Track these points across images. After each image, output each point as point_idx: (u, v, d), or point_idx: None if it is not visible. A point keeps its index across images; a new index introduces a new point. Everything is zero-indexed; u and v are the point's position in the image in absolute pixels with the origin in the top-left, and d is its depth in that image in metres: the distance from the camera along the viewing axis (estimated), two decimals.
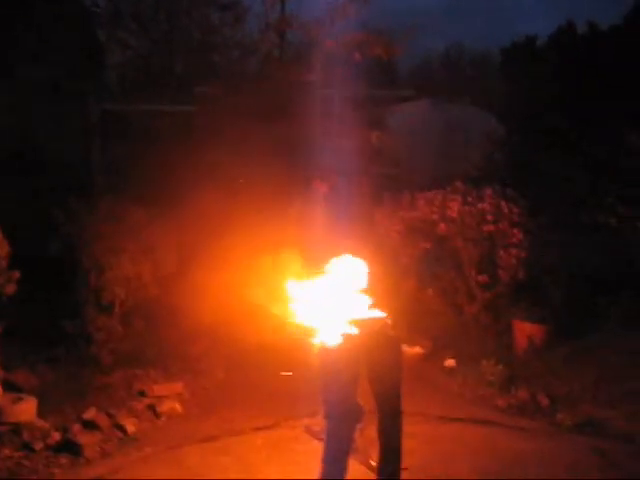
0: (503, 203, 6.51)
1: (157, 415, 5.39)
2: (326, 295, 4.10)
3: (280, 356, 5.86)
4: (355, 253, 4.18)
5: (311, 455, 4.16)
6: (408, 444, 4.42)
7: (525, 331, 6.60)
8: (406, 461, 4.25)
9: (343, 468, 4.06)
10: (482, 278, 6.73)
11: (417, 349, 6.59)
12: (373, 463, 4.29)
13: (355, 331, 4.07)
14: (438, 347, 6.75)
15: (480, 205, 6.48)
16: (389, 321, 4.14)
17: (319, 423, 4.28)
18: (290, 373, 5.64)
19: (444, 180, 7.38)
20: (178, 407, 5.53)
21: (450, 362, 6.41)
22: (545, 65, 11.88)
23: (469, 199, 6.54)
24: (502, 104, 11.95)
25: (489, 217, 6.49)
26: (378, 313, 4.13)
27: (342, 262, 4.12)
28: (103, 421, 5.05)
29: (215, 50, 11.61)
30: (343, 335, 4.03)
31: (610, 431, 5.22)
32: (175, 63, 11.09)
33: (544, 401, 5.62)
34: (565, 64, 10.84)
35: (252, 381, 6.11)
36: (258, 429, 5.14)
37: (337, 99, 8.34)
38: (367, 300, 4.14)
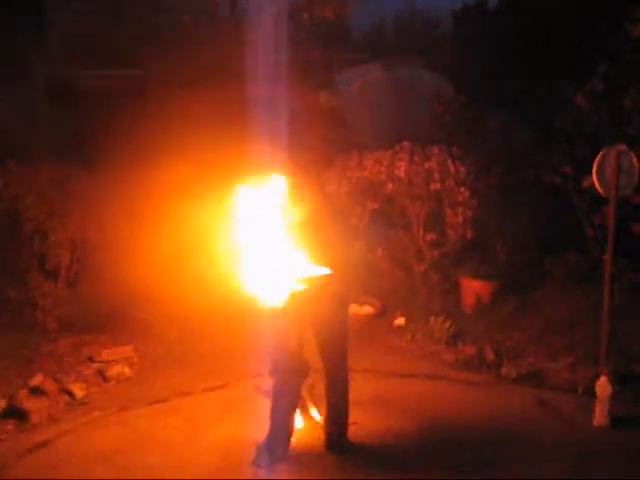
0: (449, 162, 6.56)
1: (106, 379, 5.35)
2: (272, 253, 4.11)
3: (231, 318, 5.90)
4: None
5: (260, 414, 4.18)
6: (357, 400, 4.52)
7: (472, 289, 6.71)
8: (354, 416, 4.35)
9: (289, 423, 4.13)
10: (430, 237, 6.80)
11: (367, 309, 6.65)
12: (320, 418, 4.36)
13: (300, 288, 4.09)
14: (388, 306, 6.81)
15: (427, 164, 6.52)
16: (334, 278, 4.17)
17: (269, 382, 4.32)
18: None
19: (394, 141, 7.38)
20: (127, 371, 5.51)
21: (400, 320, 6.48)
22: (494, 27, 12.01)
23: (416, 158, 6.57)
24: (453, 66, 12.00)
25: (436, 176, 6.54)
26: (323, 270, 4.15)
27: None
28: (50, 387, 5.00)
29: (163, 13, 11.36)
30: (288, 292, 4.06)
31: (553, 382, 5.40)
32: (121, 25, 10.82)
33: (490, 355, 5.75)
34: (512, 26, 10.96)
35: (202, 344, 6.10)
36: (208, 390, 5.17)
37: (286, 62, 8.24)
38: (310, 257, 4.16)
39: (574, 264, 7.03)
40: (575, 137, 7.56)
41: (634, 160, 4.99)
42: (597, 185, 4.94)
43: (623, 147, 4.92)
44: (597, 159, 4.90)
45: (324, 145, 7.81)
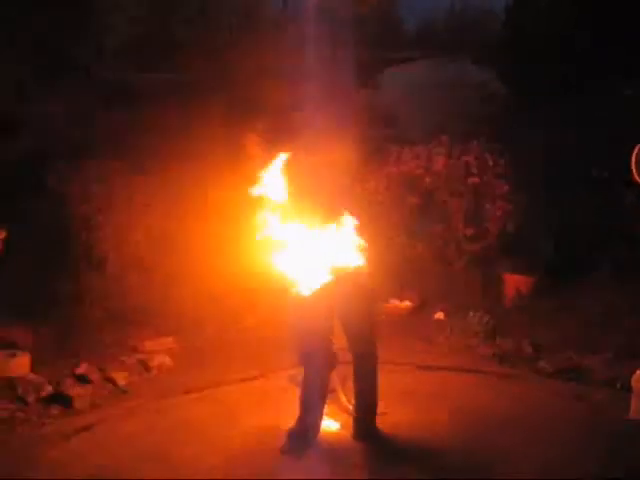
0: (487, 155, 6.53)
1: (147, 369, 5.54)
2: (306, 242, 4.18)
3: (271, 309, 6.00)
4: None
5: (293, 403, 4.27)
6: (390, 391, 4.58)
7: (513, 283, 6.67)
8: (389, 407, 4.41)
9: (318, 412, 4.21)
10: (469, 231, 6.78)
11: (406, 303, 6.68)
12: (350, 407, 4.43)
13: (329, 279, 4.16)
14: (428, 301, 6.82)
15: (465, 158, 6.50)
16: (364, 270, 4.24)
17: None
18: None
19: (437, 137, 7.39)
20: (168, 361, 5.68)
21: (439, 315, 6.50)
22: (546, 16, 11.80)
23: (454, 152, 6.57)
24: (502, 59, 11.87)
25: (474, 169, 6.52)
26: (355, 261, 4.21)
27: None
28: (94, 375, 5.22)
29: (212, 15, 11.57)
30: (317, 283, 4.14)
31: (591, 377, 5.32)
32: (171, 28, 11.07)
33: (527, 349, 5.72)
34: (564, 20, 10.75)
35: (242, 335, 6.25)
36: (244, 380, 5.29)
37: (329, 59, 8.31)
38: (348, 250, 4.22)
39: (620, 259, 6.91)
40: (624, 131, 7.41)
41: None
42: (636, 177, 4.86)
43: None
44: (635, 151, 4.82)
45: (366, 142, 7.86)
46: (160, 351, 5.80)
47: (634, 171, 4.89)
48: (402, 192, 6.80)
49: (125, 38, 11.58)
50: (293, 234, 4.19)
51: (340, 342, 4.31)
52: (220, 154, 7.42)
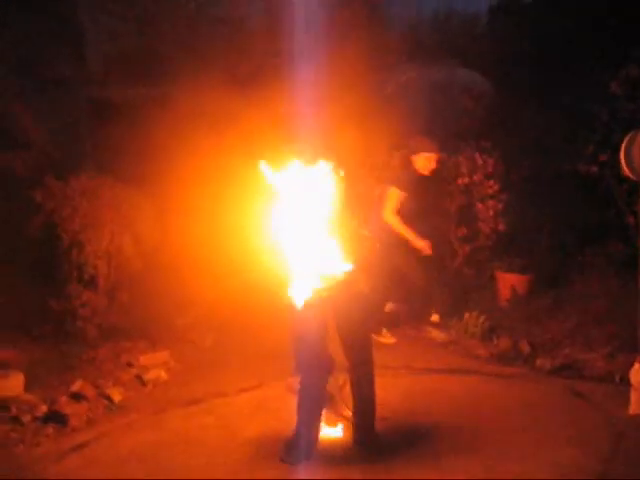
0: (477, 155, 6.53)
1: (144, 383, 5.47)
2: (303, 249, 4.15)
3: (267, 317, 5.95)
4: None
5: (291, 412, 4.23)
6: (389, 396, 4.55)
7: (508, 282, 6.65)
8: (385, 412, 4.37)
9: (316, 419, 4.16)
10: (461, 231, 6.77)
11: (402, 306, 6.64)
12: (349, 414, 4.39)
13: (324, 286, 4.14)
14: (423, 303, 6.77)
15: (454, 158, 6.50)
16: (359, 275, 4.21)
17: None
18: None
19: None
20: (164, 375, 5.62)
21: (435, 317, 6.46)
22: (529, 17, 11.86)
23: (444, 153, 6.55)
24: (488, 60, 11.90)
25: (464, 170, 6.51)
26: (349, 266, 4.19)
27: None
28: (90, 392, 5.14)
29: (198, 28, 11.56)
30: (312, 290, 4.11)
31: (589, 372, 5.32)
32: (158, 43, 11.06)
33: (525, 348, 5.69)
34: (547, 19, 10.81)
35: (239, 345, 6.19)
36: (242, 390, 5.25)
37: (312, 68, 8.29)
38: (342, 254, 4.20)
39: (614, 253, 6.90)
40: (611, 124, 7.43)
41: None
42: (625, 169, 4.84)
43: None
44: (624, 142, 4.81)
45: (356, 146, 7.84)
46: (155, 365, 5.73)
47: (623, 163, 4.87)
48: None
49: (111, 53, 11.58)
50: (289, 241, 4.17)
51: (337, 348, 4.29)
52: (208, 166, 7.38)
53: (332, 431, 4.39)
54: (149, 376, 5.54)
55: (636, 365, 4.53)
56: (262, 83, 8.53)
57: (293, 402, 4.29)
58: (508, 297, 6.62)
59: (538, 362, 5.46)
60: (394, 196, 6.16)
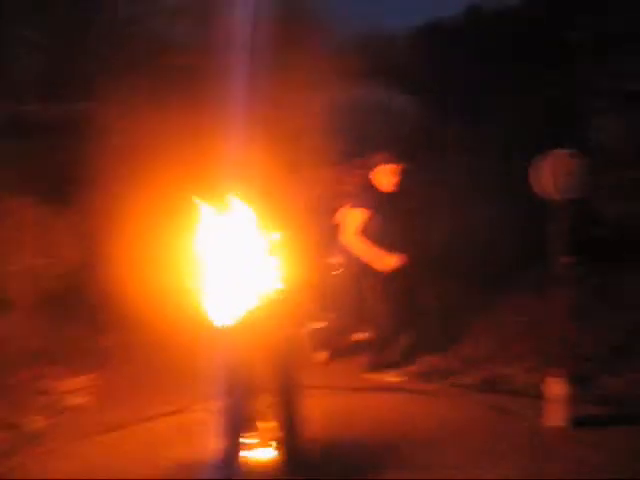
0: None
1: (63, 410, 5.31)
2: (228, 270, 4.14)
3: (191, 340, 5.85)
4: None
5: (216, 435, 4.16)
6: (313, 416, 4.52)
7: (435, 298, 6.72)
8: (311, 432, 4.35)
9: (237, 444, 4.11)
10: None
11: (325, 323, 6.64)
12: (276, 435, 4.34)
13: (249, 305, 4.12)
14: (347, 321, 6.79)
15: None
16: (287, 295, 4.21)
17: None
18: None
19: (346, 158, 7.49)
20: (85, 400, 5.47)
21: (358, 335, 6.46)
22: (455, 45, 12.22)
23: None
24: (413, 81, 12.17)
25: None
26: (279, 285, 4.19)
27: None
28: (4, 420, 4.96)
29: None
30: (238, 310, 4.08)
31: (510, 386, 5.43)
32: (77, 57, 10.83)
33: (449, 364, 5.78)
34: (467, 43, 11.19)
35: (162, 370, 6.05)
36: (164, 415, 5.13)
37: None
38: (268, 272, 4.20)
39: (539, 272, 7.11)
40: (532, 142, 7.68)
41: (573, 164, 5.06)
42: (535, 188, 5.00)
43: (560, 152, 4.98)
44: (533, 164, 4.97)
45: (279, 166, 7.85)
46: (76, 390, 5.58)
47: (533, 182, 5.02)
48: (319, 214, 6.78)
49: (31, 68, 11.27)
50: (215, 260, 4.14)
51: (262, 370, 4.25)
52: (135, 185, 7.26)
53: (259, 453, 4.33)
54: (68, 402, 5.38)
55: (555, 379, 4.66)
56: (186, 100, 8.47)
57: (216, 425, 4.24)
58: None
59: (462, 379, 5.54)
60: (355, 217, 5.90)
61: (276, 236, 4.29)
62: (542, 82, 8.60)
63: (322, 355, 6.22)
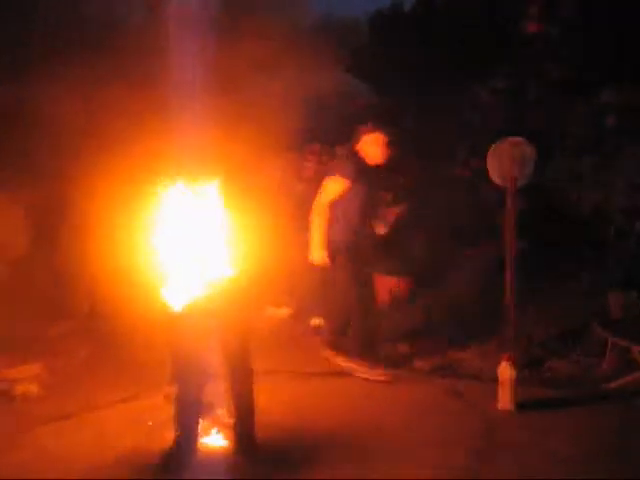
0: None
1: (11, 399, 5.18)
2: (183, 256, 4.10)
3: (146, 326, 5.77)
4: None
5: (169, 422, 4.13)
6: (267, 402, 4.51)
7: (386, 285, 6.75)
8: (264, 418, 4.33)
9: (194, 429, 4.08)
10: None
11: (283, 310, 6.64)
12: (229, 422, 4.32)
13: (202, 292, 4.08)
14: (305, 307, 6.80)
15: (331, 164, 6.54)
16: (240, 280, 4.18)
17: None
18: None
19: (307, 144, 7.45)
20: (35, 389, 5.33)
21: (315, 321, 6.47)
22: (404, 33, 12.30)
23: (324, 159, 6.61)
24: (368, 69, 12.20)
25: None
26: (230, 271, 4.16)
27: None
28: None
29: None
30: (191, 296, 4.04)
31: (465, 371, 5.53)
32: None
33: (403, 350, 5.83)
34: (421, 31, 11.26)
35: (115, 356, 5.95)
36: (118, 402, 5.05)
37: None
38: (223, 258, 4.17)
39: (488, 254, 7.21)
40: (482, 132, 7.79)
41: (527, 152, 5.16)
42: (491, 175, 5.08)
43: (515, 139, 5.07)
44: (490, 151, 5.05)
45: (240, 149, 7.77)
46: (25, 379, 5.43)
47: (489, 168, 5.10)
48: (278, 199, 6.75)
49: None
50: (168, 247, 4.08)
51: (215, 355, 4.22)
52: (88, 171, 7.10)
53: (212, 440, 4.30)
54: (18, 391, 5.24)
55: (504, 363, 4.73)
56: (135, 84, 8.30)
57: (170, 411, 4.19)
58: (387, 300, 6.74)
59: (417, 364, 5.59)
60: (332, 185, 5.52)
61: (232, 219, 4.26)
62: (490, 71, 8.71)
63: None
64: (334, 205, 5.49)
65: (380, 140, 5.55)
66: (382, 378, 5.30)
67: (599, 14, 8.46)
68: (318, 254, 5.50)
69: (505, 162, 5.08)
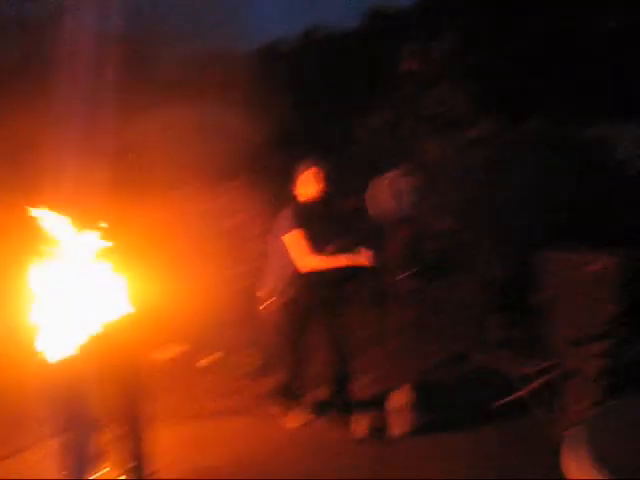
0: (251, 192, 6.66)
1: None
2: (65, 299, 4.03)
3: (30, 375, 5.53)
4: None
5: (56, 476, 4.00)
6: (159, 446, 4.45)
7: None
8: (157, 463, 4.28)
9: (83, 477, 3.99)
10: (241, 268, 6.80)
11: (174, 350, 6.57)
12: (125, 467, 4.25)
13: (90, 335, 4.01)
14: (196, 346, 6.74)
15: (219, 200, 6.60)
16: (131, 321, 4.15)
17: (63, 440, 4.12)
18: None
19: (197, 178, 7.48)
20: None
21: (206, 360, 6.44)
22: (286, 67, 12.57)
23: (208, 197, 6.65)
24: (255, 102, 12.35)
25: (226, 212, 6.63)
26: (119, 312, 4.13)
27: None
28: None
29: None
30: (78, 341, 3.96)
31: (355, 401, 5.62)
32: None
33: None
34: (303, 66, 11.56)
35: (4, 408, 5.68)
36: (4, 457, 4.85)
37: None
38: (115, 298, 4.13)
39: (376, 285, 7.41)
40: (360, 166, 8.06)
41: (409, 183, 5.38)
42: (370, 210, 5.27)
43: (393, 175, 5.30)
44: (368, 188, 5.25)
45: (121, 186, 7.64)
46: None
47: (368, 205, 5.28)
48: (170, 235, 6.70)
49: None
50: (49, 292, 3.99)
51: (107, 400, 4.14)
52: None
53: None
54: None
55: (391, 394, 4.90)
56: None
57: (54, 467, 4.06)
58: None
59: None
60: (295, 239, 5.18)
61: (118, 260, 4.22)
62: (370, 106, 9.04)
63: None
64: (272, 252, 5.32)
65: (318, 174, 5.30)
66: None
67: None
68: (362, 257, 5.24)
69: (383, 197, 5.27)
